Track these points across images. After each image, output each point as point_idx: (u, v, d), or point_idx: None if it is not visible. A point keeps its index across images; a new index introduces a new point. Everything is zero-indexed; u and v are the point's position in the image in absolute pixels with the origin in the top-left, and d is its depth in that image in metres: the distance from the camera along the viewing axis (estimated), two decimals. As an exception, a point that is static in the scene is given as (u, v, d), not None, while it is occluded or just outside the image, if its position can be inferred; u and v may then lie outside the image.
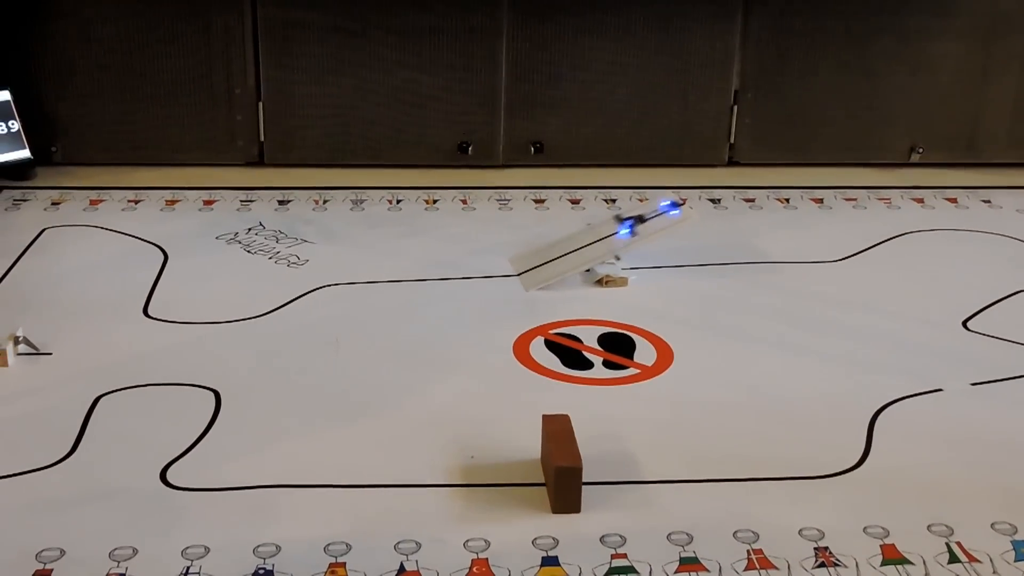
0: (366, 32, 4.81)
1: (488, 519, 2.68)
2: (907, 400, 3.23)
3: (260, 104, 4.89)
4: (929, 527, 2.68)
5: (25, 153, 4.70)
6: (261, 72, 4.84)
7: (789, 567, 2.54)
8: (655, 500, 2.77)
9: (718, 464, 2.91)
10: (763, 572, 2.52)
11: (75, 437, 2.97)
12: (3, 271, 3.92)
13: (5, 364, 3.29)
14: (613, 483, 2.82)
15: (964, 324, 3.71)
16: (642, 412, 3.16)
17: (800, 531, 2.66)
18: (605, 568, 2.53)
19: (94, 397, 3.15)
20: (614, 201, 4.69)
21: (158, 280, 3.89)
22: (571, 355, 3.45)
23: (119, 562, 2.51)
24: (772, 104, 5.06)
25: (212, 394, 3.18)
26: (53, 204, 4.52)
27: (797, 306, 3.81)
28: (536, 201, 4.69)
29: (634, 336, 3.58)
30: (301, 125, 4.93)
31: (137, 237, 4.24)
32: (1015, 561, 2.57)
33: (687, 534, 2.64)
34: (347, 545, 2.58)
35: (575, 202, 4.69)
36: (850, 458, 2.95)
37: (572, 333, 3.58)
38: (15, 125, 4.66)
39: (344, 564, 2.52)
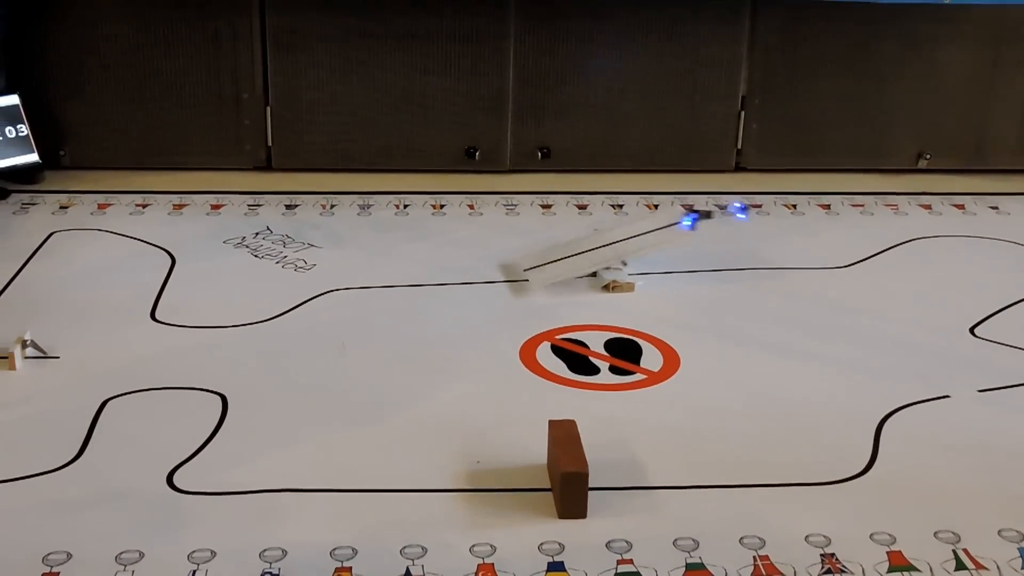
0: (373, 37, 4.82)
1: (494, 524, 2.68)
2: (914, 406, 3.23)
3: (268, 109, 4.90)
4: (936, 534, 2.68)
5: (33, 157, 4.71)
6: (269, 77, 4.85)
7: (795, 573, 2.54)
8: (661, 506, 2.77)
9: (724, 470, 2.91)
10: (769, 578, 2.53)
11: (82, 440, 2.97)
12: (11, 275, 3.93)
13: (13, 367, 3.30)
14: (619, 488, 2.82)
15: (971, 330, 3.70)
16: (649, 418, 3.16)
17: (806, 537, 2.65)
18: (611, 573, 2.53)
19: (101, 400, 3.15)
20: (621, 206, 4.69)
21: (165, 284, 3.89)
22: (578, 360, 3.45)
23: (125, 565, 2.51)
24: (779, 110, 5.06)
25: (219, 398, 3.19)
26: (61, 208, 4.53)
27: (804, 312, 3.81)
28: (543, 206, 4.69)
29: (640, 342, 3.58)
30: (309, 130, 4.93)
31: (145, 241, 4.25)
32: (1022, 568, 2.56)
33: (693, 540, 2.64)
34: (353, 549, 2.58)
35: (582, 207, 4.69)
36: (857, 464, 2.94)
37: (579, 338, 3.58)
38: (24, 129, 4.67)
39: (350, 568, 2.52)
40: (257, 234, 4.32)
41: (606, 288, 3.90)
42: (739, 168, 5.13)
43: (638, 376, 3.38)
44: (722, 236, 4.41)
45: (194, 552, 2.56)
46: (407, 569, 2.52)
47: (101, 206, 4.56)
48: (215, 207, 4.58)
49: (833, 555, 2.60)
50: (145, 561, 2.53)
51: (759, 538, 2.64)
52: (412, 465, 2.90)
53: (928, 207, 4.78)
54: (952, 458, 2.99)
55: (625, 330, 3.64)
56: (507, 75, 4.89)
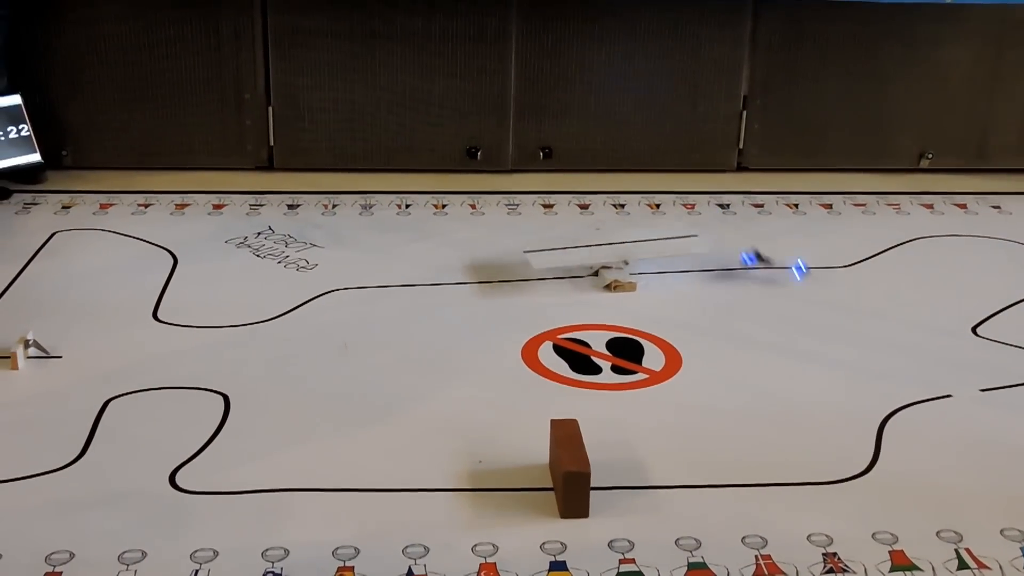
0: (375, 37, 4.82)
1: (496, 524, 2.68)
2: (916, 406, 3.23)
3: (270, 109, 4.90)
4: (938, 533, 2.68)
5: (36, 157, 4.71)
6: (271, 77, 4.85)
7: (797, 573, 2.54)
8: (663, 505, 2.77)
9: (726, 469, 2.91)
10: (771, 578, 2.53)
11: (85, 440, 2.98)
12: (13, 275, 3.93)
13: (15, 367, 3.31)
14: (621, 488, 2.82)
15: (973, 330, 3.70)
16: (651, 417, 3.16)
17: (808, 537, 2.65)
18: (613, 573, 2.53)
19: (104, 400, 3.16)
20: (623, 206, 4.69)
21: (168, 284, 3.90)
22: (580, 360, 3.46)
23: (128, 565, 2.51)
24: (781, 109, 5.06)
25: (221, 398, 3.19)
26: (63, 208, 4.54)
27: (806, 312, 3.81)
28: (545, 206, 4.69)
29: (643, 341, 3.58)
30: (310, 130, 4.94)
31: (147, 241, 4.25)
32: (1024, 568, 2.57)
33: (695, 539, 2.64)
34: (355, 549, 2.58)
35: (584, 207, 4.69)
36: (859, 464, 2.94)
37: (581, 338, 3.59)
38: (26, 129, 4.67)
39: (352, 568, 2.53)
40: (259, 234, 4.33)
41: (608, 288, 3.90)
42: (741, 168, 5.13)
43: (640, 376, 3.38)
44: (724, 236, 4.41)
45: (196, 552, 2.56)
46: (409, 569, 2.53)
47: (103, 206, 4.56)
48: (217, 207, 4.58)
49: (835, 554, 2.60)
50: (147, 561, 2.53)
51: (761, 537, 2.65)
52: (414, 464, 2.90)
53: (930, 207, 4.78)
54: (954, 458, 2.99)
55: (627, 330, 3.65)
56: (509, 75, 4.90)
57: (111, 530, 2.62)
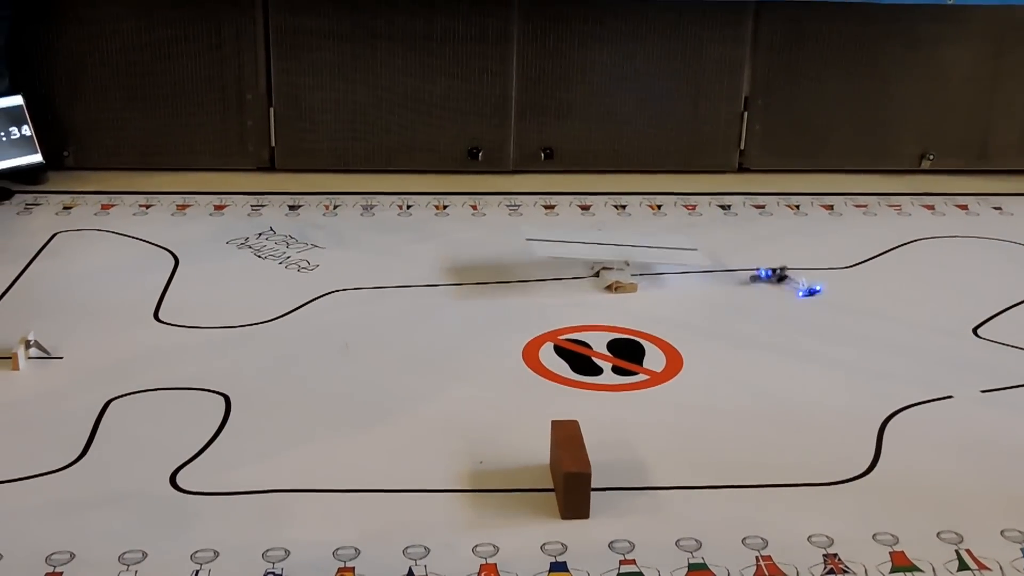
0: (377, 38, 4.82)
1: (497, 524, 2.68)
2: (917, 407, 3.23)
3: (271, 109, 4.90)
4: (938, 534, 2.68)
5: (37, 157, 4.72)
6: (272, 77, 4.86)
7: (798, 574, 2.54)
8: (664, 506, 2.77)
9: (727, 470, 2.91)
10: (772, 579, 2.53)
11: (85, 441, 2.98)
12: (15, 275, 3.93)
13: (16, 368, 3.31)
14: (622, 489, 2.82)
15: (974, 331, 3.70)
16: (651, 418, 3.16)
17: (809, 538, 2.65)
18: (614, 574, 2.53)
19: (104, 401, 3.16)
20: (624, 207, 4.69)
21: (169, 284, 3.90)
22: (580, 361, 3.46)
23: (129, 565, 2.52)
24: (782, 110, 5.06)
25: (222, 398, 3.19)
26: (65, 208, 4.54)
27: (806, 313, 3.81)
28: (546, 207, 4.69)
29: (643, 342, 3.58)
30: (312, 130, 4.94)
31: (148, 242, 4.25)
32: (1025, 569, 2.57)
33: (696, 540, 2.64)
34: (356, 550, 2.58)
35: (585, 208, 4.69)
36: (859, 465, 2.94)
37: (581, 339, 3.59)
38: (27, 130, 4.68)
39: (353, 568, 2.53)
40: (260, 235, 4.33)
41: (609, 288, 3.90)
42: (742, 169, 5.13)
43: (641, 377, 3.38)
44: (725, 237, 4.41)
45: (197, 552, 2.56)
46: (410, 569, 2.53)
47: (105, 207, 4.57)
48: (218, 208, 4.59)
49: (836, 555, 2.60)
50: (148, 561, 2.53)
51: (761, 538, 2.65)
52: (415, 465, 2.90)
53: (931, 208, 4.78)
54: (955, 459, 2.99)
55: (628, 331, 3.65)
56: (510, 76, 4.90)
57: (112, 530, 2.63)
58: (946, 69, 5.04)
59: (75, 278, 3.95)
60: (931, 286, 4.04)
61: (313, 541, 2.61)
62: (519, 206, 4.69)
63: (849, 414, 3.19)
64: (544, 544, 2.62)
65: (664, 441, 3.04)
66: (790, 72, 5.00)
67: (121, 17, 4.74)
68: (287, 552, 2.57)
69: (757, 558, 2.59)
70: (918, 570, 2.56)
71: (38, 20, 4.71)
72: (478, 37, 4.84)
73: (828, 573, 2.54)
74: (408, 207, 4.65)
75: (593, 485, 2.70)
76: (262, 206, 4.61)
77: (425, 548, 2.59)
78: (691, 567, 2.56)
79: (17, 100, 4.67)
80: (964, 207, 4.79)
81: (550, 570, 2.54)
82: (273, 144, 4.96)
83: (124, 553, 2.55)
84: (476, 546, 2.60)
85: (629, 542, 2.63)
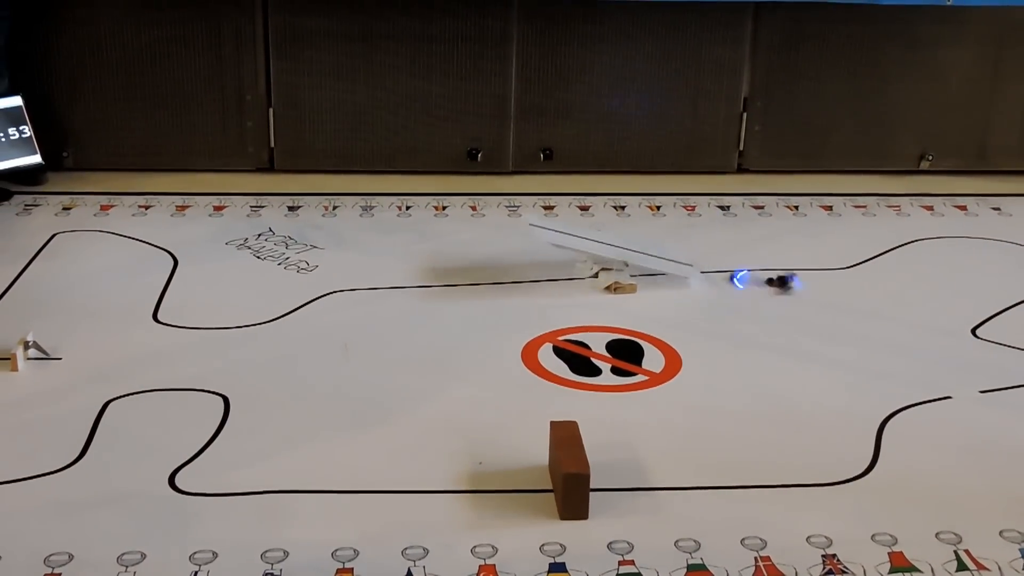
0: (376, 39, 4.82)
1: (496, 525, 2.68)
2: (916, 408, 3.23)
3: (271, 110, 4.90)
4: (937, 535, 2.68)
5: (36, 158, 4.72)
6: (272, 78, 4.86)
7: (797, 574, 2.54)
8: (663, 507, 2.77)
9: (726, 471, 2.91)
10: (770, 579, 2.53)
11: (84, 441, 2.98)
12: (14, 276, 3.93)
13: (15, 369, 3.31)
14: (621, 490, 2.82)
15: (973, 332, 3.70)
16: (650, 419, 3.16)
17: (808, 538, 2.65)
18: (613, 574, 2.53)
19: (103, 402, 3.16)
20: (623, 208, 4.69)
21: (168, 285, 3.90)
22: (579, 362, 3.46)
23: (127, 567, 2.52)
24: (782, 111, 5.06)
25: (221, 399, 3.19)
26: (64, 209, 4.54)
27: (805, 313, 3.81)
28: (545, 208, 4.69)
29: (642, 343, 3.58)
30: (311, 131, 4.94)
31: (147, 242, 4.25)
32: None
33: (695, 541, 2.64)
34: (355, 551, 2.58)
35: (584, 208, 4.69)
36: (858, 465, 2.95)
37: (580, 340, 3.59)
38: (27, 130, 4.67)
39: (352, 569, 2.53)
40: (259, 235, 4.33)
41: (608, 289, 3.90)
42: (741, 170, 5.13)
43: (640, 377, 3.38)
44: (725, 238, 4.41)
45: (196, 553, 2.56)
46: (408, 570, 2.53)
47: (104, 208, 4.57)
48: (218, 208, 4.59)
49: (834, 556, 2.60)
50: (147, 562, 2.53)
51: (760, 539, 2.65)
52: (414, 466, 2.90)
53: (930, 208, 4.78)
54: (954, 459, 2.99)
55: (627, 331, 3.65)
56: (509, 76, 4.90)
57: (110, 531, 2.63)
58: (945, 70, 5.04)
59: (74, 279, 3.95)
60: (930, 287, 4.04)
61: (312, 542, 2.61)
62: (518, 207, 4.69)
63: (848, 415, 3.19)
64: (543, 545, 2.62)
65: (663, 442, 3.04)
66: (789, 73, 5.00)
67: (120, 18, 4.74)
68: (286, 553, 2.57)
69: (756, 559, 2.59)
70: (917, 571, 2.56)
71: (37, 21, 4.71)
72: (477, 38, 4.84)
73: (827, 574, 2.54)
74: (407, 208, 4.65)
75: (592, 486, 2.70)
76: (261, 207, 4.61)
77: (424, 549, 2.59)
78: (690, 568, 2.56)
79: (16, 101, 4.67)
80: (963, 208, 4.79)
81: (549, 571, 2.54)
82: (272, 145, 4.96)
83: (123, 554, 2.55)
84: (475, 547, 2.60)
85: (628, 543, 2.63)
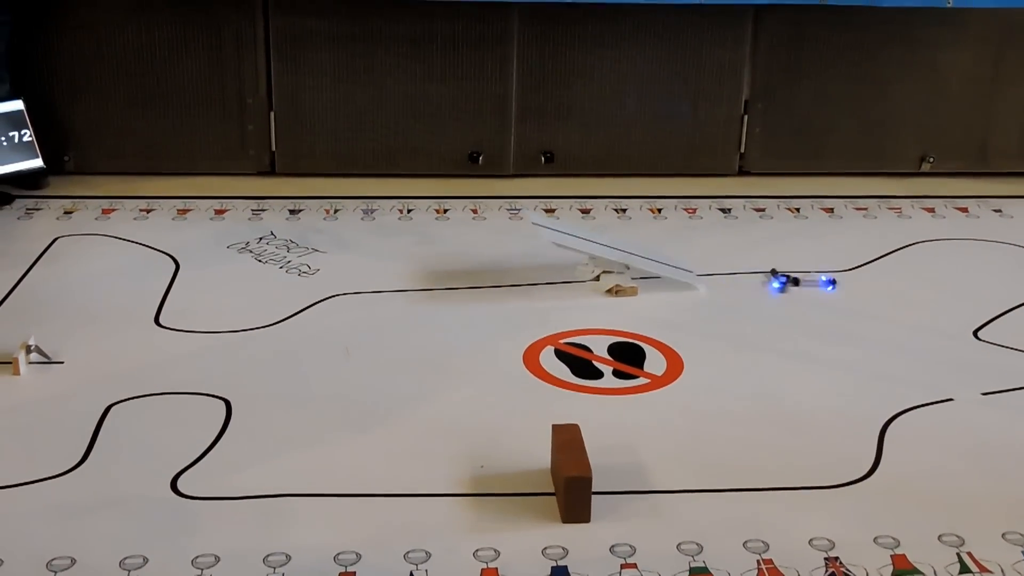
0: (377, 42, 4.82)
1: (498, 529, 2.68)
2: (918, 410, 3.23)
3: (272, 114, 4.91)
4: (940, 537, 2.68)
5: (38, 162, 4.72)
6: (273, 81, 4.86)
7: (799, 577, 2.54)
8: (665, 510, 2.77)
9: (728, 474, 2.91)
10: (773, 582, 2.53)
11: (86, 445, 2.98)
12: (15, 280, 3.93)
13: (17, 373, 3.31)
14: (623, 493, 2.82)
15: (975, 334, 3.70)
16: (652, 422, 3.16)
17: (810, 541, 2.65)
18: (615, 578, 2.53)
19: (105, 406, 3.16)
20: (624, 210, 4.69)
21: (169, 289, 3.90)
22: (581, 365, 3.46)
23: (129, 571, 2.52)
24: (782, 113, 5.06)
25: (223, 403, 3.19)
26: (66, 213, 4.54)
27: (807, 315, 3.81)
28: (547, 211, 4.69)
29: (644, 346, 3.58)
30: (312, 134, 4.94)
31: (149, 246, 4.25)
32: (1026, 572, 2.57)
33: (697, 544, 2.64)
34: (357, 554, 2.58)
35: (585, 211, 4.69)
36: (860, 468, 2.94)
37: (582, 343, 3.59)
38: (28, 134, 4.68)
39: (354, 573, 2.53)
40: (261, 239, 4.33)
41: (610, 292, 3.90)
42: (742, 172, 5.13)
43: (642, 380, 3.38)
44: (726, 240, 4.41)
45: (198, 557, 2.56)
46: (411, 574, 2.53)
47: (105, 211, 4.57)
48: (219, 212, 4.59)
49: (837, 559, 2.59)
50: (149, 566, 2.53)
51: (763, 542, 2.64)
52: (416, 469, 2.90)
53: (931, 210, 4.78)
54: (956, 461, 2.99)
55: (629, 334, 3.65)
56: (510, 79, 4.90)
57: (112, 535, 2.63)
58: (945, 72, 5.04)
59: (76, 283, 3.95)
60: (931, 289, 4.03)
61: (314, 546, 2.61)
62: (519, 210, 4.69)
63: (850, 417, 3.19)
64: (545, 548, 2.62)
65: (665, 444, 3.04)
66: (790, 75, 5.00)
67: (121, 21, 4.74)
68: (288, 557, 2.57)
69: (758, 561, 2.59)
70: (919, 573, 2.56)
71: (39, 25, 4.72)
72: (478, 40, 4.84)
73: (829, 576, 2.55)
74: (409, 211, 4.65)
75: (594, 489, 2.69)
76: (263, 210, 4.61)
77: (426, 552, 2.59)
78: (692, 571, 2.55)
79: (18, 105, 4.67)
80: (964, 210, 4.79)
81: (551, 574, 2.54)
82: (274, 148, 4.96)
83: (125, 558, 2.55)
84: (477, 550, 2.60)
85: (630, 546, 2.63)
